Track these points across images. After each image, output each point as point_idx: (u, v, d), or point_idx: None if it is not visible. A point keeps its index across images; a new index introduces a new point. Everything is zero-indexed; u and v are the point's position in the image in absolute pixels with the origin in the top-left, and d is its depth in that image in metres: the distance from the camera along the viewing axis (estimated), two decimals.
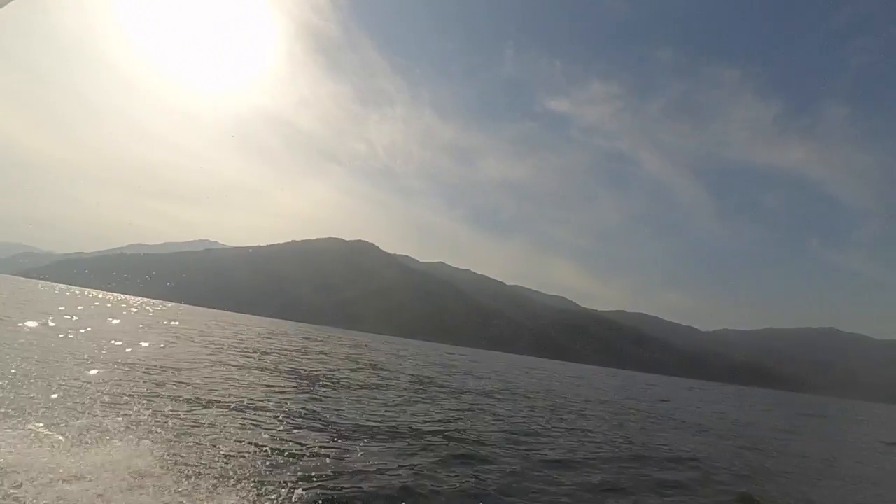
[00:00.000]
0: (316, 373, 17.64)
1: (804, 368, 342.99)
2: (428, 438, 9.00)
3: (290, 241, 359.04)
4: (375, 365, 26.06)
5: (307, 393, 12.60)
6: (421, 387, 17.93)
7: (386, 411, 11.52)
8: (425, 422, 10.75)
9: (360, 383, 16.37)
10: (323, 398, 12.32)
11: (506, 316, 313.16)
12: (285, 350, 27.82)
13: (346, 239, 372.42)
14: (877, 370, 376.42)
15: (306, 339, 47.67)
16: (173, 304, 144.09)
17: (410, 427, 9.83)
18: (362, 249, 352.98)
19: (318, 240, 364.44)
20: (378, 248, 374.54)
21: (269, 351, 25.17)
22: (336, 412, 10.54)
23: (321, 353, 30.02)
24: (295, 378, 15.64)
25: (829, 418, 37.31)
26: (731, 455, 12.28)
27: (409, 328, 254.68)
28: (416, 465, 7.02)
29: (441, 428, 10.19)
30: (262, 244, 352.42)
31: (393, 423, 10.13)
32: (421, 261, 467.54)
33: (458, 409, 13.32)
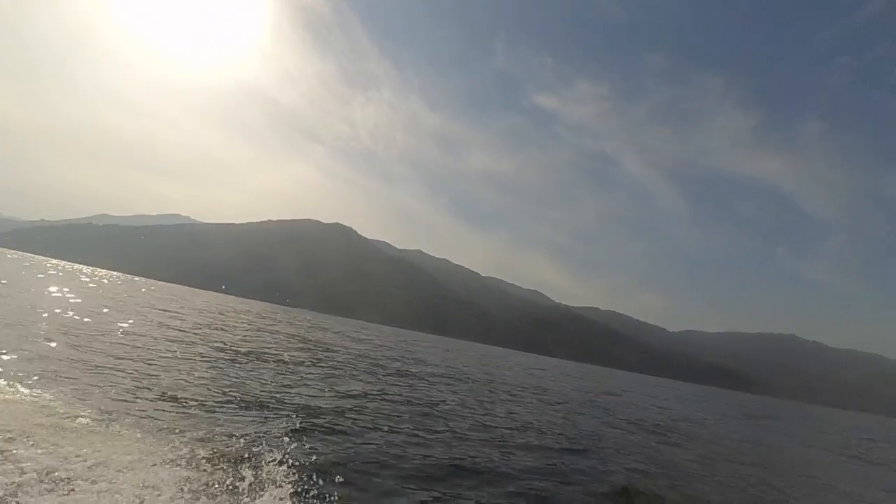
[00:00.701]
0: (251, 349, 17.02)
1: (765, 372, 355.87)
2: (300, 412, 8.59)
3: (266, 220, 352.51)
4: (325, 346, 25.53)
5: (217, 367, 12.05)
6: (353, 369, 17.50)
7: (288, 386, 11.08)
8: (315, 397, 10.35)
9: (289, 360, 15.84)
10: (232, 370, 11.79)
11: (480, 307, 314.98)
12: (233, 326, 27.00)
13: (324, 221, 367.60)
14: (832, 376, 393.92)
15: (264, 317, 46.69)
16: (141, 278, 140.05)
17: (296, 402, 9.42)
18: (340, 233, 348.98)
19: (295, 221, 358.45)
20: (356, 232, 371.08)
21: (219, 327, 24.34)
22: (233, 383, 10.08)
23: (275, 331, 29.29)
24: (219, 350, 15.01)
25: (773, 419, 38.40)
26: (644, 449, 12.18)
27: (385, 315, 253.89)
28: (261, 433, 6.67)
29: (328, 405, 9.80)
30: (237, 221, 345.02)
31: (281, 397, 9.69)
32: (399, 248, 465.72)
33: (366, 390, 12.91)
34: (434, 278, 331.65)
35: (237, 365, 12.96)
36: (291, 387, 11.16)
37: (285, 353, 17.79)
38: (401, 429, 8.89)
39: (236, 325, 29.07)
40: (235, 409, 8.24)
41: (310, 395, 10.50)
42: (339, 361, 18.77)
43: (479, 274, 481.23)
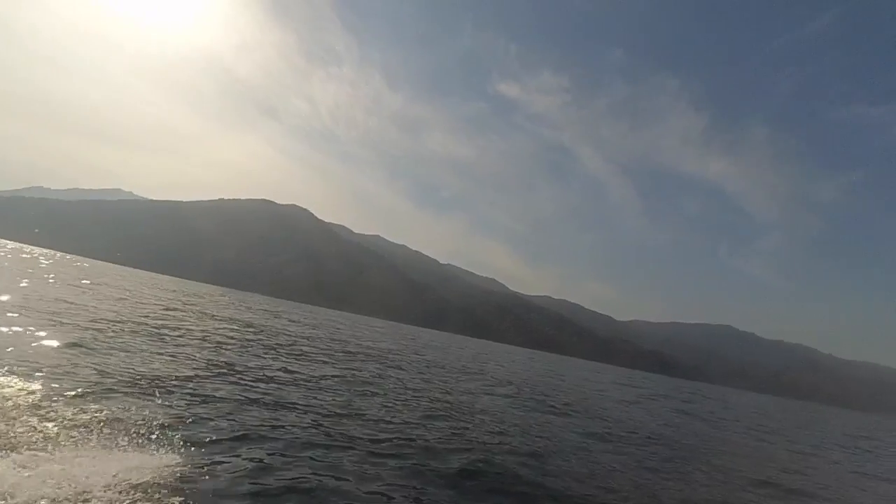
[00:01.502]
0: (150, 325, 16.74)
1: (699, 359, 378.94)
2: (153, 384, 8.78)
3: (217, 198, 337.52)
4: (250, 326, 25.40)
5: (102, 340, 11.90)
6: (257, 346, 17.58)
7: (169, 360, 11.16)
8: (179, 367, 10.53)
9: (189, 335, 15.75)
10: (110, 346, 11.69)
11: (436, 293, 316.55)
12: (151, 303, 26.22)
13: (279, 202, 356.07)
14: (762, 365, 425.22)
15: (201, 297, 45.37)
16: (74, 256, 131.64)
17: (157, 376, 9.59)
18: (295, 215, 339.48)
19: (247, 200, 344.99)
20: (312, 214, 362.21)
21: (138, 302, 23.58)
22: (112, 358, 10.08)
23: (202, 312, 28.63)
24: (116, 324, 14.73)
25: (674, 398, 41.23)
26: (514, 427, 13.06)
27: (338, 300, 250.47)
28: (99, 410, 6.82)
29: (190, 373, 10.01)
30: (184, 199, 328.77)
31: (145, 371, 9.79)
32: (357, 232, 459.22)
33: (250, 361, 13.14)
34: (392, 264, 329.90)
35: (139, 340, 12.83)
36: (176, 362, 11.22)
37: (222, 330, 17.62)
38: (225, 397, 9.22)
39: (158, 302, 28.25)
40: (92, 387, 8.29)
41: (182, 364, 10.63)
42: (245, 338, 18.79)
43: (437, 261, 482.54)
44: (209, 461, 5.41)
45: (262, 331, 23.28)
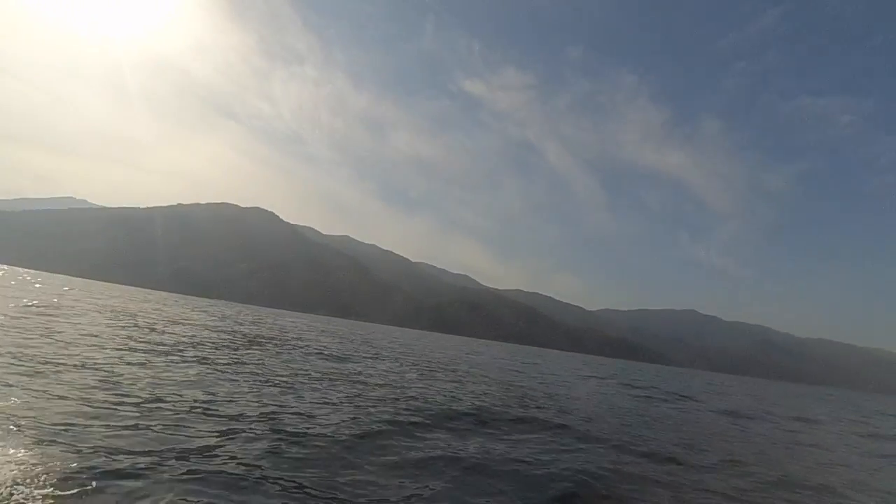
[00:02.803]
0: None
1: (664, 344, 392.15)
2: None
3: (175, 203, 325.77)
4: (208, 326, 24.58)
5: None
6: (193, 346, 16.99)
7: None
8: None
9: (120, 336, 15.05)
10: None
11: (408, 293, 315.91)
12: (91, 310, 24.96)
13: (242, 205, 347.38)
14: (724, 346, 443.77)
15: (165, 305, 43.60)
16: (24, 269, 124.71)
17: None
18: (260, 218, 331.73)
19: (208, 204, 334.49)
20: (278, 217, 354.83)
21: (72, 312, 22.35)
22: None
23: (164, 319, 27.47)
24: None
25: (621, 380, 42.32)
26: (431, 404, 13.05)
27: (308, 303, 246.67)
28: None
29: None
30: (140, 205, 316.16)
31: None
32: (325, 233, 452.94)
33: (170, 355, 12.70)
34: (362, 264, 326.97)
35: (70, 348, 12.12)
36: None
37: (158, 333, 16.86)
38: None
39: (102, 309, 26.96)
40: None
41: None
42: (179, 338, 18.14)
43: (408, 259, 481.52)
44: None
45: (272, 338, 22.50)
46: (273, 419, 7.83)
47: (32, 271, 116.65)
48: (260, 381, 11.35)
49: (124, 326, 19.67)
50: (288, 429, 7.29)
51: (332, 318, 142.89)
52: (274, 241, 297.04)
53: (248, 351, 17.54)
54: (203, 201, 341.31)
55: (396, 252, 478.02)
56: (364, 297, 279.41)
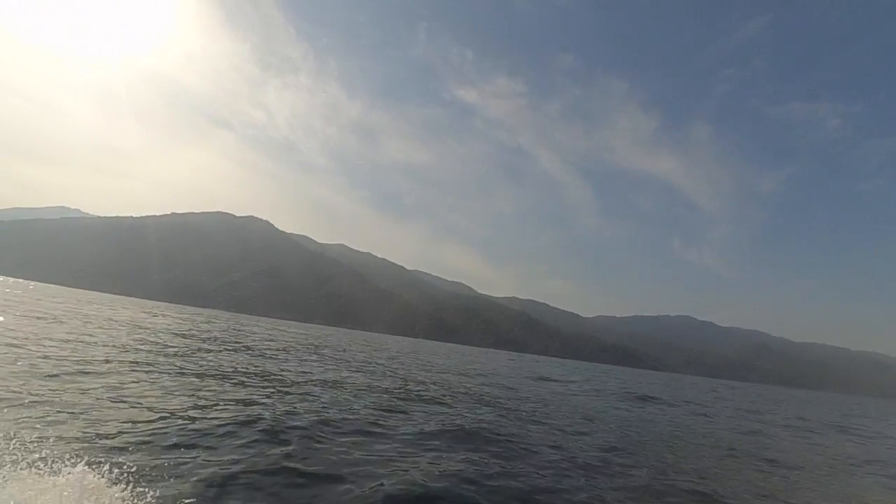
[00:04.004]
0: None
1: (658, 350, 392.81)
2: None
3: (169, 213, 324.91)
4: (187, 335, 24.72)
5: None
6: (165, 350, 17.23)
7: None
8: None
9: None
10: None
11: (404, 300, 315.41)
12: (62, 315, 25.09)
13: (236, 214, 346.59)
14: (719, 352, 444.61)
15: (153, 314, 43.62)
16: (15, 279, 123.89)
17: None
18: (254, 226, 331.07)
19: (202, 213, 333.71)
20: (272, 225, 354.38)
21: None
22: None
23: (149, 325, 27.59)
24: None
25: (622, 384, 42.59)
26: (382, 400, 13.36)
27: (304, 312, 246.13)
28: None
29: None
30: (134, 215, 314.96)
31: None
32: (320, 241, 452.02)
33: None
34: (358, 273, 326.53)
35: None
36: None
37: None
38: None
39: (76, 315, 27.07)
40: None
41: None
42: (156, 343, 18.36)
43: (404, 267, 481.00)
44: None
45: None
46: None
47: (22, 281, 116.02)
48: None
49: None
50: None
51: (325, 327, 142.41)
52: (269, 250, 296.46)
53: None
54: (197, 210, 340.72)
55: (391, 260, 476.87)
56: (360, 306, 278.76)
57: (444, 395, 15.45)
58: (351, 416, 9.77)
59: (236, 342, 24.96)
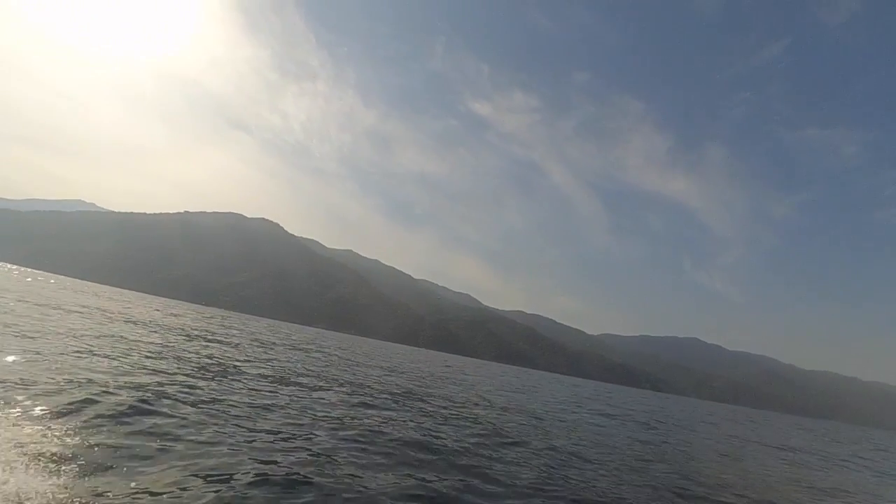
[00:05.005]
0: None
1: (663, 371, 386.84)
2: None
3: (182, 211, 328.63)
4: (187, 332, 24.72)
5: None
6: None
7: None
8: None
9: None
10: None
11: (409, 309, 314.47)
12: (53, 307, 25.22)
13: (248, 216, 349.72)
14: (726, 376, 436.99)
15: (159, 310, 43.84)
16: (30, 269, 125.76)
17: None
18: (265, 229, 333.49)
19: (214, 213, 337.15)
20: (283, 228, 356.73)
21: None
22: None
23: (148, 320, 27.69)
24: None
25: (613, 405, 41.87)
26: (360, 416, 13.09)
27: (308, 316, 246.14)
28: None
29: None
30: (148, 211, 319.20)
31: None
32: (329, 247, 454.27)
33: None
34: (365, 280, 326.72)
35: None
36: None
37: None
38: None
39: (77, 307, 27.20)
40: None
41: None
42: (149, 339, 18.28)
43: (411, 276, 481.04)
44: None
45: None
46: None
47: (40, 273, 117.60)
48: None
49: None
50: None
51: (325, 332, 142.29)
52: (277, 253, 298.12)
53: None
54: (209, 210, 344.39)
55: (399, 268, 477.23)
56: (365, 312, 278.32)
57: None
58: None
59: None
